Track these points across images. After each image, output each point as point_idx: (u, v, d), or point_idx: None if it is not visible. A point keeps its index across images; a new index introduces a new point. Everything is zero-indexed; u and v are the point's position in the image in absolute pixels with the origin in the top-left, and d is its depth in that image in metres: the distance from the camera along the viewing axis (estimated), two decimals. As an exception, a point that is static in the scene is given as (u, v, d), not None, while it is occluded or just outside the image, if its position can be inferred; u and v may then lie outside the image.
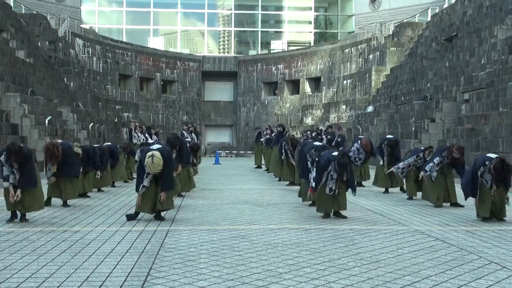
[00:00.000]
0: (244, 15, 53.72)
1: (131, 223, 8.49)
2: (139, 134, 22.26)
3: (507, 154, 16.69)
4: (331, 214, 9.28)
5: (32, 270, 5.52)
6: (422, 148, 12.60)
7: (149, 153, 8.46)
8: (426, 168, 10.73)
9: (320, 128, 27.37)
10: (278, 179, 16.94)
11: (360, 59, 42.56)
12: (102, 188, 13.85)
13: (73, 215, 9.12)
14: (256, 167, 23.94)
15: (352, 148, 14.39)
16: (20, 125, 21.68)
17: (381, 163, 13.68)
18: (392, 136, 14.82)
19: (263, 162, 23.28)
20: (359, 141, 14.35)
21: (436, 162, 10.61)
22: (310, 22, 53.88)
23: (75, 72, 36.29)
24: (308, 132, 25.49)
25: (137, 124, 24.95)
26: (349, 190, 9.34)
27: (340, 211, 9.27)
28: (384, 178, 13.56)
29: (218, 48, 54.95)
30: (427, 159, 11.34)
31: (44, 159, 10.44)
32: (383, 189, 13.72)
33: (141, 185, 8.65)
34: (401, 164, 11.97)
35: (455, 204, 10.83)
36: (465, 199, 9.52)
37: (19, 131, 21.27)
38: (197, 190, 13.63)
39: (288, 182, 15.40)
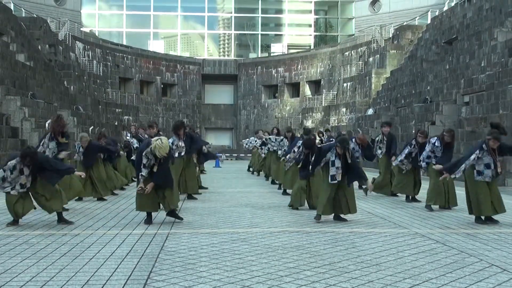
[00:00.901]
0: (244, 18, 53.77)
1: (131, 226, 8.48)
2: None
3: (507, 156, 16.68)
4: (333, 217, 9.26)
5: (32, 274, 5.51)
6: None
7: (155, 138, 8.58)
8: (420, 158, 10.84)
9: (320, 130, 27.40)
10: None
11: (360, 62, 42.58)
12: (115, 192, 13.60)
13: (73, 219, 9.11)
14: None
15: None
16: (20, 128, 21.69)
17: (379, 153, 13.52)
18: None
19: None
20: (353, 139, 14.13)
21: (427, 150, 10.68)
22: (310, 25, 53.94)
23: (75, 75, 36.32)
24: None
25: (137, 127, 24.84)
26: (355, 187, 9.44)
27: (347, 214, 9.25)
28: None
29: (218, 51, 55.01)
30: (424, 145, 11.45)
31: (50, 133, 10.58)
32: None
33: (140, 174, 8.65)
34: (400, 156, 11.97)
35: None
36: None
37: (19, 134, 21.28)
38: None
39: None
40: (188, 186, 12.55)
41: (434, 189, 10.52)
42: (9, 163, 8.45)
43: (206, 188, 15.12)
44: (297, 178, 11.04)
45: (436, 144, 10.64)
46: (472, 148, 9.25)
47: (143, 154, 8.55)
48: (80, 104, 31.72)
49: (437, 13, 41.03)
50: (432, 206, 10.55)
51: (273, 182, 18.66)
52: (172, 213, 8.96)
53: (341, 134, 19.83)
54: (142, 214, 9.85)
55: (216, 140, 50.19)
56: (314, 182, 10.53)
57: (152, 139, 8.58)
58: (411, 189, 12.16)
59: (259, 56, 52.81)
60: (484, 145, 8.86)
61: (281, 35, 54.06)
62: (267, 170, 18.62)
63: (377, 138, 13.69)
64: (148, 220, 8.84)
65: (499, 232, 8.15)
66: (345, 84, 42.36)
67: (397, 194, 13.00)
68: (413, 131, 24.18)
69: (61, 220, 8.74)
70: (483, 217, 8.98)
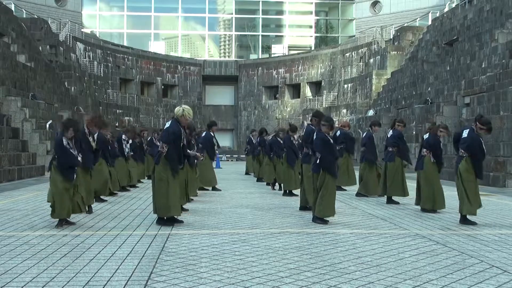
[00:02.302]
0: (245, 19, 53.83)
1: (132, 227, 8.48)
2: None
3: (508, 157, 16.69)
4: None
5: (33, 274, 5.51)
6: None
7: (177, 108, 8.86)
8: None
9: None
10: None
11: (361, 63, 42.60)
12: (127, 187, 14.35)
13: (73, 219, 9.10)
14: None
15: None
16: (21, 129, 21.70)
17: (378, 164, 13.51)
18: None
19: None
20: (338, 132, 14.31)
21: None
22: (310, 26, 53.99)
23: (76, 76, 36.33)
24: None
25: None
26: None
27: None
28: (375, 185, 13.30)
29: (219, 52, 55.05)
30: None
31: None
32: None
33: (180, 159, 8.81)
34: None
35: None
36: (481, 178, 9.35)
37: (20, 135, 21.28)
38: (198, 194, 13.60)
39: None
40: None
41: (439, 192, 10.41)
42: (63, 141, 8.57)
43: (207, 189, 15.15)
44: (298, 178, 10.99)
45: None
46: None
47: (180, 135, 8.66)
48: (80, 105, 31.74)
49: (437, 15, 41.05)
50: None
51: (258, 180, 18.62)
52: (172, 218, 8.90)
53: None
54: (142, 215, 9.87)
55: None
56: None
57: (175, 110, 8.77)
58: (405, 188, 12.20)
59: (260, 57, 52.85)
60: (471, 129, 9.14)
61: (281, 36, 54.11)
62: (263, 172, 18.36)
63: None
64: (164, 222, 8.76)
65: (499, 233, 8.15)
66: (345, 85, 42.38)
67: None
68: (414, 132, 24.18)
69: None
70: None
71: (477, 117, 9.24)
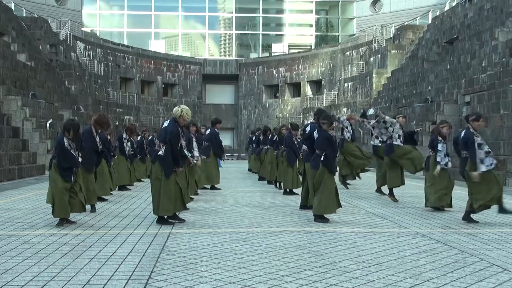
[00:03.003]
0: (245, 18, 53.80)
1: (132, 226, 8.49)
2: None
3: (508, 156, 16.70)
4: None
5: (33, 274, 5.52)
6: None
7: (175, 108, 8.77)
8: (438, 160, 10.18)
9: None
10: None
11: (361, 62, 42.59)
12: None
13: (74, 218, 9.10)
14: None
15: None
16: (21, 128, 21.70)
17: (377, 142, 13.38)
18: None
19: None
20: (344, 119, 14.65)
21: (441, 149, 10.29)
22: (311, 25, 53.96)
23: (76, 75, 36.33)
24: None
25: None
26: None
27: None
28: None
29: (219, 51, 55.02)
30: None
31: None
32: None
33: (185, 156, 9.02)
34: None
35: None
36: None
37: (20, 134, 21.29)
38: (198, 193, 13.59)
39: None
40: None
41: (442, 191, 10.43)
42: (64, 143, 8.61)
43: (208, 188, 15.15)
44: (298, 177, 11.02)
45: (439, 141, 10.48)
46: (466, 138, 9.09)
47: (178, 116, 8.62)
48: (81, 104, 31.73)
49: (438, 13, 41.04)
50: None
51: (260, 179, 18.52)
52: (174, 215, 8.89)
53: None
54: (142, 214, 9.87)
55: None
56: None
57: (173, 110, 8.71)
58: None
59: (260, 56, 52.84)
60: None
61: (282, 35, 54.08)
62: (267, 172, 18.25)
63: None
64: (165, 221, 8.76)
65: (500, 231, 8.15)
66: (346, 84, 42.37)
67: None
68: (416, 129, 24.13)
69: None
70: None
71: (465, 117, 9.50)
